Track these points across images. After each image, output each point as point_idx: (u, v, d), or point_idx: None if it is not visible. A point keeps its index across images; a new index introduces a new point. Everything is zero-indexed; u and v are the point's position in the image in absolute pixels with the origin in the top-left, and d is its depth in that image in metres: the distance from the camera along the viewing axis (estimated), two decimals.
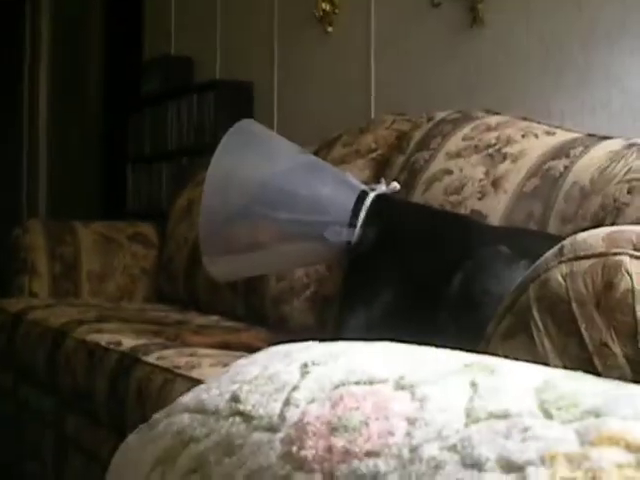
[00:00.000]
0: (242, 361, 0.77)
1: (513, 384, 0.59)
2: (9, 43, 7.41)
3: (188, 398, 0.75)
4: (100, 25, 6.42)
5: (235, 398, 0.68)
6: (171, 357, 2.15)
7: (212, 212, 2.20)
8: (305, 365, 0.68)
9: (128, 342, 2.38)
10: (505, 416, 0.54)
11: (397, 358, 0.67)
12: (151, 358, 2.19)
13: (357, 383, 0.63)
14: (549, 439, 0.51)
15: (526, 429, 0.52)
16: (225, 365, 2.02)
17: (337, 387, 0.63)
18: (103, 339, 2.47)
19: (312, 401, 0.63)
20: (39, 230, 3.65)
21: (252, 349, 2.21)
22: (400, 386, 0.61)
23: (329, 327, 2.45)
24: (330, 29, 3.88)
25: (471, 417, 0.56)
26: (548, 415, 0.54)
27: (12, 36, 7.33)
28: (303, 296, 2.76)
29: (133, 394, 2.16)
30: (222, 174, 2.22)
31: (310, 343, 0.77)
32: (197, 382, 1.93)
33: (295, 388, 0.66)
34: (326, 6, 3.87)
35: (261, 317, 2.90)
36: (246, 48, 4.53)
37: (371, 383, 0.63)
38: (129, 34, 5.88)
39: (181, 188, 3.92)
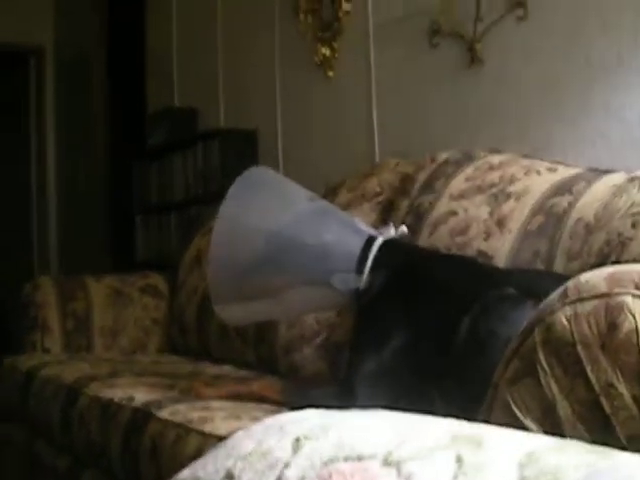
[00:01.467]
0: (239, 433, 0.77)
1: (497, 459, 0.59)
2: (15, 98, 7.48)
3: (186, 474, 0.75)
4: (104, 78, 6.48)
5: (229, 476, 0.68)
6: (184, 412, 2.15)
7: (220, 262, 2.21)
8: (297, 440, 0.68)
9: (141, 397, 2.38)
10: None
11: (387, 431, 0.67)
12: (164, 413, 2.19)
13: (346, 459, 0.63)
14: None
15: None
16: (238, 418, 2.02)
17: (326, 464, 0.63)
18: (116, 395, 2.47)
19: (302, 479, 0.63)
20: (50, 286, 3.66)
21: (264, 399, 2.23)
22: (387, 462, 0.61)
23: (341, 374, 2.44)
24: (331, 74, 3.91)
25: None
26: None
27: (17, 93, 7.40)
28: (314, 343, 2.76)
29: (147, 450, 2.15)
30: (229, 224, 2.24)
31: (305, 414, 0.77)
32: (210, 437, 1.94)
33: (287, 465, 0.66)
34: (326, 51, 3.91)
35: (272, 365, 2.90)
36: (249, 96, 4.57)
37: (359, 459, 0.63)
38: (133, 86, 5.94)
39: (190, 238, 3.93)
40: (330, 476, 0.61)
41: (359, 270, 2.13)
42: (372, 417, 0.73)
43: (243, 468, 0.68)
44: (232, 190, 2.25)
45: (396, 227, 2.28)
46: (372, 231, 2.23)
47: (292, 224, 2.21)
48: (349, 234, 2.20)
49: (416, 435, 0.65)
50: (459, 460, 0.59)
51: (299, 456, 0.66)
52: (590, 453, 0.59)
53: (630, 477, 0.53)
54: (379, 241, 2.17)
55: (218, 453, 0.73)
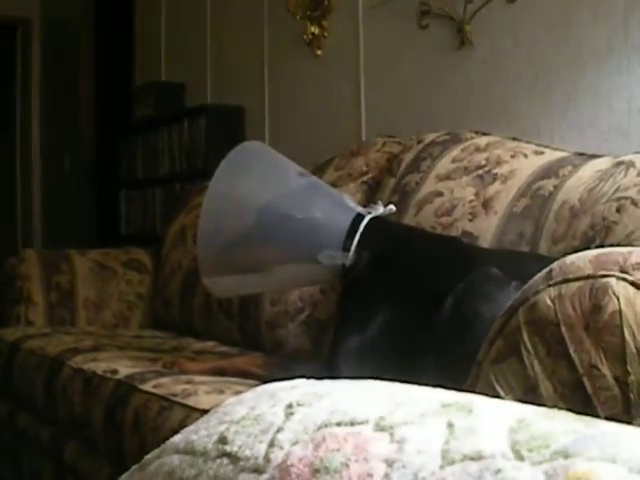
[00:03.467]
0: (231, 400, 0.78)
1: (488, 424, 0.60)
2: (1, 70, 7.44)
3: (178, 438, 0.76)
4: (91, 52, 6.45)
5: (222, 439, 0.69)
6: (167, 385, 2.16)
7: (209, 235, 2.22)
8: (290, 406, 0.69)
9: (124, 370, 2.39)
10: (479, 458, 0.56)
11: (378, 398, 0.68)
12: (148, 386, 2.19)
13: (339, 424, 0.64)
14: None
15: (498, 471, 0.54)
16: (221, 392, 2.03)
17: (320, 428, 0.65)
18: (100, 367, 2.47)
19: (296, 443, 0.64)
20: (34, 259, 3.66)
21: (247, 375, 2.25)
22: (380, 427, 0.62)
23: (324, 350, 2.46)
24: (319, 52, 3.90)
25: (446, 459, 0.57)
26: (519, 456, 0.55)
27: (3, 64, 7.36)
28: (298, 320, 2.77)
29: (130, 422, 2.16)
30: (219, 197, 2.24)
31: (296, 382, 0.78)
32: (193, 410, 1.95)
33: (280, 429, 0.67)
34: (315, 30, 3.90)
35: (256, 341, 2.91)
36: (237, 73, 4.56)
37: (352, 424, 0.64)
38: (120, 61, 5.91)
39: (174, 213, 3.93)
40: (324, 440, 0.62)
41: (346, 247, 2.14)
42: (363, 386, 0.74)
43: (236, 432, 0.69)
44: (224, 163, 2.25)
45: (384, 206, 2.29)
46: (360, 209, 2.24)
47: (282, 199, 2.22)
48: (338, 211, 2.21)
49: (407, 402, 0.66)
50: (450, 425, 0.61)
51: (292, 421, 0.67)
52: (578, 421, 0.60)
53: (616, 443, 0.55)
54: (367, 219, 2.18)
55: (210, 419, 0.74)
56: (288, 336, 2.78)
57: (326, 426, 0.64)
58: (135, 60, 5.71)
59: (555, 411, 0.64)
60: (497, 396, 1.13)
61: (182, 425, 1.82)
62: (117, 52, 6.05)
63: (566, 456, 0.54)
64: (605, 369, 1.03)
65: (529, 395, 1.09)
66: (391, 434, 0.61)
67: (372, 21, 3.60)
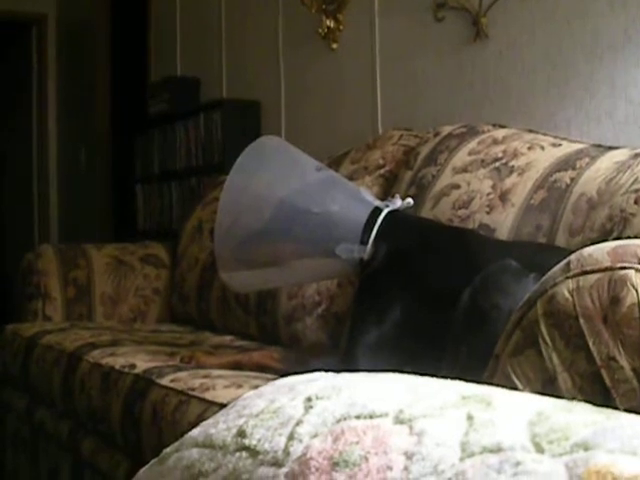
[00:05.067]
0: (249, 393, 0.78)
1: (508, 417, 0.60)
2: (17, 67, 7.47)
3: (197, 432, 0.76)
4: (106, 47, 6.46)
5: (241, 433, 0.69)
6: (185, 379, 2.16)
7: (227, 229, 2.22)
8: (309, 399, 0.69)
9: (142, 365, 2.39)
10: (498, 450, 0.55)
11: (397, 391, 0.68)
12: (165, 380, 2.20)
13: (358, 417, 0.64)
14: (539, 474, 0.52)
15: (517, 464, 0.53)
16: (239, 386, 2.03)
17: (339, 421, 0.64)
18: (117, 362, 2.48)
19: (315, 436, 0.64)
20: (51, 254, 3.67)
21: (265, 369, 2.25)
22: (399, 420, 0.62)
23: (341, 344, 2.46)
24: (335, 46, 3.89)
25: (466, 451, 0.57)
26: (539, 449, 0.55)
27: (20, 60, 7.39)
28: (315, 314, 2.77)
29: (148, 416, 2.17)
30: (237, 191, 2.24)
31: (315, 375, 0.78)
32: (211, 404, 1.95)
33: (299, 423, 0.67)
34: (330, 23, 3.89)
35: (274, 335, 2.91)
36: (252, 67, 4.56)
37: (371, 417, 0.64)
38: (135, 56, 5.92)
39: (191, 208, 3.93)
40: (343, 433, 0.62)
41: (363, 241, 2.14)
42: (382, 379, 0.74)
43: (255, 425, 0.68)
44: (241, 158, 2.25)
45: (402, 199, 2.29)
46: (378, 202, 2.24)
47: (299, 193, 2.22)
48: (355, 204, 2.21)
49: (426, 395, 0.65)
50: (470, 418, 0.60)
51: (311, 414, 0.67)
52: (597, 413, 0.60)
53: (635, 435, 0.54)
54: (384, 212, 2.17)
55: (229, 413, 0.74)
56: (305, 330, 2.78)
57: (345, 419, 0.64)
58: (150, 55, 5.71)
59: (574, 403, 0.63)
60: (515, 389, 1.12)
61: (200, 419, 1.82)
62: (132, 47, 6.06)
63: (586, 448, 0.53)
64: (623, 361, 1.03)
65: (547, 387, 1.09)
66: (410, 427, 0.61)
67: (388, 14, 3.59)
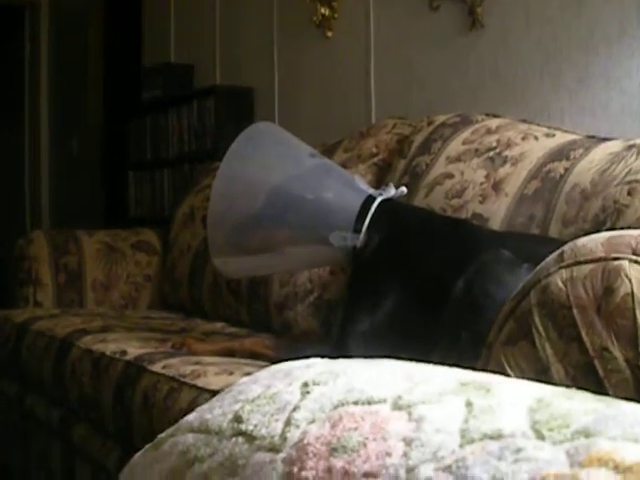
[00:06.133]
0: (245, 379, 0.78)
1: (507, 404, 0.60)
2: (9, 52, 7.44)
3: (192, 417, 0.75)
4: (99, 33, 6.44)
5: (238, 418, 0.69)
6: (176, 366, 2.16)
7: (220, 215, 2.22)
8: (306, 384, 0.69)
9: (133, 351, 2.39)
10: (498, 437, 0.55)
11: (396, 377, 0.68)
12: (156, 367, 2.20)
13: (356, 403, 0.64)
14: (540, 460, 0.52)
15: (518, 450, 0.53)
16: (230, 373, 2.03)
17: (336, 407, 0.64)
18: (108, 348, 2.47)
19: (312, 421, 0.64)
20: (43, 240, 3.66)
21: (256, 356, 2.25)
22: (398, 406, 0.62)
23: (333, 332, 2.46)
24: (329, 34, 3.89)
25: (466, 438, 0.57)
26: (540, 436, 0.55)
27: (11, 45, 7.36)
28: (307, 301, 2.77)
29: (139, 403, 2.16)
30: (231, 177, 2.24)
31: (311, 361, 0.77)
32: (202, 391, 1.95)
33: (296, 408, 0.66)
34: (325, 11, 3.88)
35: (265, 323, 2.91)
36: (246, 54, 4.54)
37: (369, 403, 0.63)
38: (128, 42, 5.90)
39: (183, 195, 3.93)
40: (340, 419, 0.62)
41: (357, 229, 2.13)
42: (380, 365, 0.74)
43: (251, 411, 0.68)
44: (235, 144, 2.24)
45: (396, 188, 2.28)
46: (372, 190, 2.24)
47: (293, 179, 2.21)
48: (349, 192, 2.21)
49: (424, 381, 0.65)
50: (469, 404, 0.60)
51: (308, 400, 0.66)
52: (597, 401, 0.59)
53: (636, 422, 0.54)
54: (378, 200, 2.17)
55: (224, 398, 0.74)
56: (297, 318, 2.78)
57: (343, 405, 0.64)
58: (144, 41, 5.69)
59: (574, 391, 0.63)
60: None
61: (191, 406, 1.82)
62: (126, 33, 6.04)
63: (587, 435, 0.53)
64: (616, 351, 1.03)
65: (540, 377, 1.09)
66: (409, 413, 0.61)
67: (383, 2, 3.58)
